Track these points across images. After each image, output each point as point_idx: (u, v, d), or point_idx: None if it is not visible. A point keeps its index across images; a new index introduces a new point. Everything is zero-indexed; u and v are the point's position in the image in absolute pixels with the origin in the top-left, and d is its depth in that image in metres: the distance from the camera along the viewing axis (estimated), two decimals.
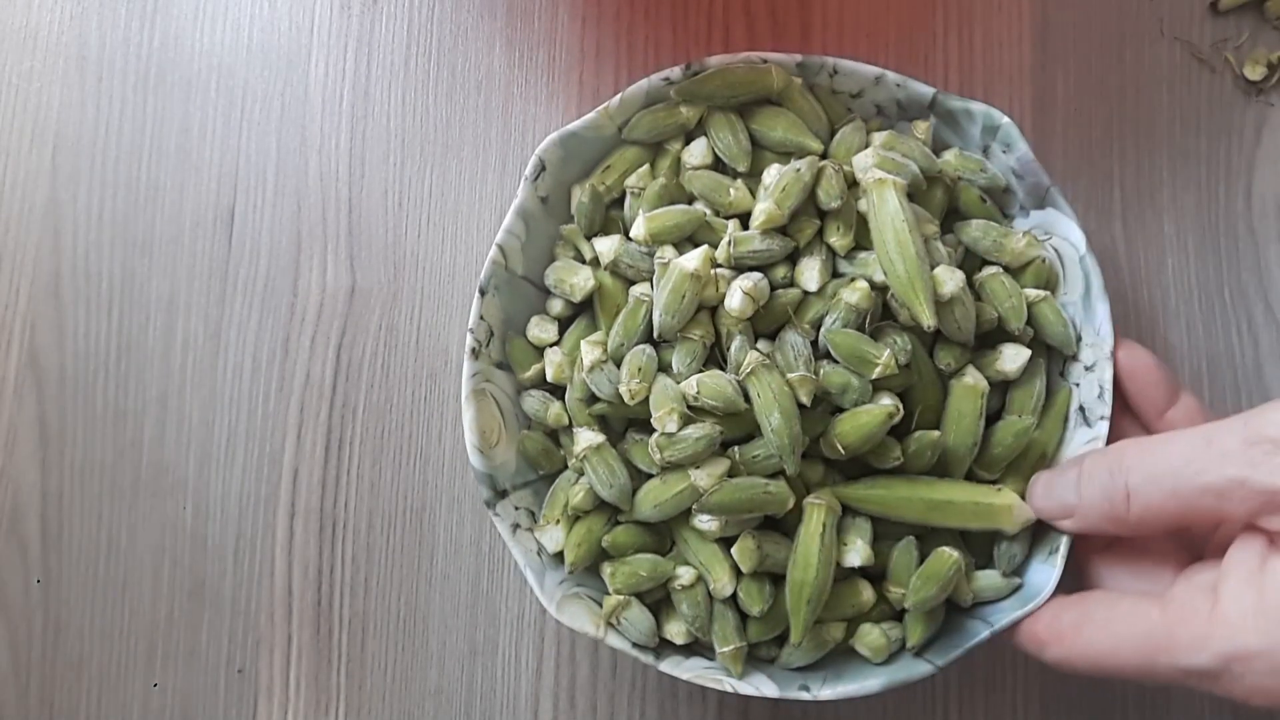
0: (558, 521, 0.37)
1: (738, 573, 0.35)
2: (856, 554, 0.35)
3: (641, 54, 0.46)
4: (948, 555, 0.35)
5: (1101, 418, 0.36)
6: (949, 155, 0.39)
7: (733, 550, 0.35)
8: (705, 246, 0.36)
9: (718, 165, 0.39)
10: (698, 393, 0.34)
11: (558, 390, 0.39)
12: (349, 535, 0.43)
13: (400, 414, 0.44)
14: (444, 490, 0.43)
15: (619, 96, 0.38)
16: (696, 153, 0.39)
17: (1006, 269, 0.38)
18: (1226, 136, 0.45)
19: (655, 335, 0.36)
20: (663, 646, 0.37)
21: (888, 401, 0.35)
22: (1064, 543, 0.35)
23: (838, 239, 0.36)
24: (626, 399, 0.35)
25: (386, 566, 0.43)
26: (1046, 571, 0.35)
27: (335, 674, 0.43)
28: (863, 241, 0.37)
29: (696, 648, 0.37)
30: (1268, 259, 0.44)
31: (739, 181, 0.38)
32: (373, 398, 0.44)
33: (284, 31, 0.47)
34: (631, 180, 0.39)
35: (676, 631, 0.37)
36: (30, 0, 0.48)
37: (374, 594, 0.43)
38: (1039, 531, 0.37)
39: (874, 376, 0.35)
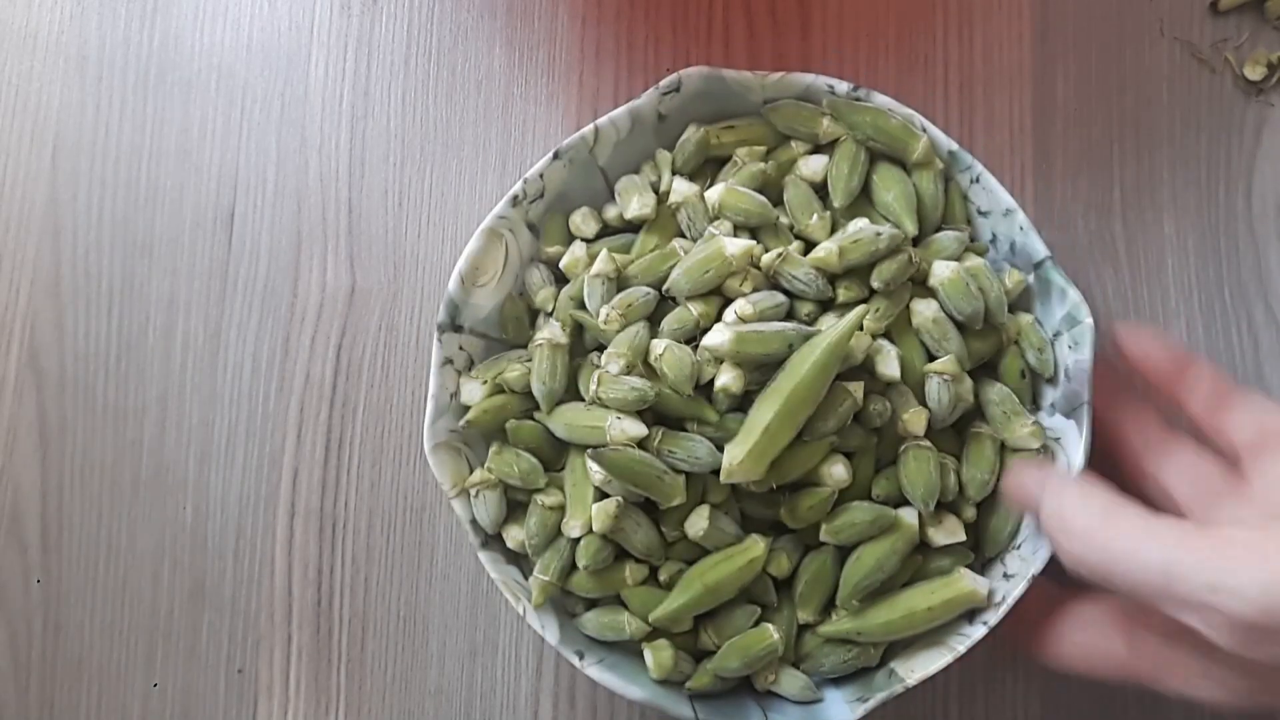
0: (484, 382, 0.38)
1: (591, 525, 0.36)
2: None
3: (641, 54, 0.46)
4: (768, 635, 0.35)
5: (983, 623, 0.35)
6: (1022, 318, 0.38)
7: (594, 505, 0.35)
8: (754, 242, 0.36)
9: (820, 187, 0.39)
10: (661, 354, 0.35)
11: (564, 281, 0.39)
12: (349, 535, 0.43)
13: (400, 414, 0.44)
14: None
15: (781, 74, 0.39)
16: (812, 166, 0.39)
17: (1002, 445, 0.37)
18: (1226, 136, 0.45)
19: (665, 288, 0.36)
20: (492, 540, 0.37)
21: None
22: (874, 699, 0.35)
23: (870, 320, 0.36)
24: (599, 321, 0.36)
25: (386, 566, 0.43)
26: (847, 711, 0.35)
27: (335, 674, 0.43)
28: (892, 336, 0.37)
29: (520, 561, 0.38)
30: (1268, 259, 0.44)
31: (828, 214, 0.38)
32: (373, 398, 0.44)
33: (284, 31, 0.47)
34: (743, 151, 0.39)
35: (513, 536, 0.37)
36: (30, 0, 0.48)
37: (374, 594, 0.43)
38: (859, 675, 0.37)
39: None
